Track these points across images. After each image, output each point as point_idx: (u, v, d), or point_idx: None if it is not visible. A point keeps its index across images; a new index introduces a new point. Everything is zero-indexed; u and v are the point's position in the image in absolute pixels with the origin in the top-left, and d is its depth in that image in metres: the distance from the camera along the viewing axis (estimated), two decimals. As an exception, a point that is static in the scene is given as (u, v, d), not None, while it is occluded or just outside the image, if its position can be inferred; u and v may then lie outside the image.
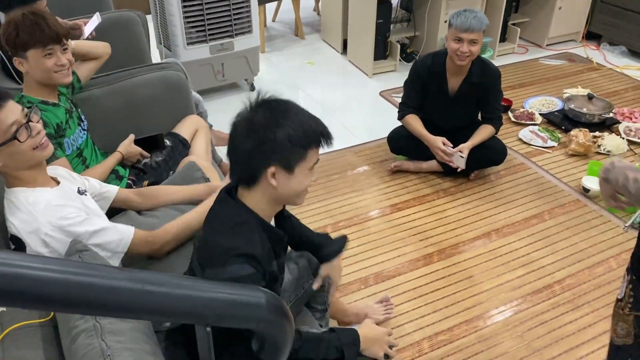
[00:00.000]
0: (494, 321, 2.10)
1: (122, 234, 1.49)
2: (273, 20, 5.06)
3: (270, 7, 4.96)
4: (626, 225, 2.53)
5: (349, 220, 2.62)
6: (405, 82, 2.87)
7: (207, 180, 1.98)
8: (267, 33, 4.76)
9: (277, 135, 1.16)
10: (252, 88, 3.85)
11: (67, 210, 1.40)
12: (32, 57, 1.76)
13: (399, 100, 2.98)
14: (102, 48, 2.17)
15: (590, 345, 1.98)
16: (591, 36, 4.55)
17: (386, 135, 3.02)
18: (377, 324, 2.01)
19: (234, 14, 3.42)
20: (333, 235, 1.68)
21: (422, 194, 2.81)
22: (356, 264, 2.37)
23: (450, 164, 2.73)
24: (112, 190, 1.74)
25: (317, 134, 1.23)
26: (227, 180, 1.70)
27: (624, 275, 1.28)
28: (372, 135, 3.30)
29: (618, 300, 1.30)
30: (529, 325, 2.07)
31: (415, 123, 2.80)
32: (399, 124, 2.94)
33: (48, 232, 1.36)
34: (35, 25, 1.73)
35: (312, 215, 2.65)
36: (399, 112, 2.88)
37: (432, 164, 2.90)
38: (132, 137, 2.14)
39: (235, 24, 3.47)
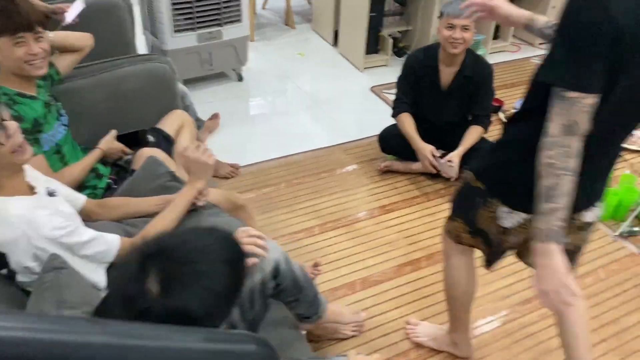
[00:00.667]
0: (482, 332, 2.07)
1: (109, 244, 1.42)
2: (263, 8, 4.93)
3: (260, -7, 4.85)
4: (615, 234, 2.51)
5: (337, 221, 2.57)
6: (399, 78, 2.81)
7: (171, 174, 1.88)
8: (257, 21, 4.64)
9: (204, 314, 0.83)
10: (240, 78, 3.76)
11: (57, 220, 1.33)
12: (2, 45, 1.65)
13: (390, 96, 2.93)
14: (84, 40, 2.04)
15: (578, 359, 1.96)
16: (584, 36, 4.51)
17: (376, 132, 2.96)
18: (344, 339, 1.98)
19: (223, 2, 3.31)
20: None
21: (412, 195, 2.76)
22: (344, 267, 2.32)
23: (443, 174, 2.68)
24: (80, 199, 1.63)
25: (241, 275, 0.93)
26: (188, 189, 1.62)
27: None
28: (361, 132, 3.24)
29: None
30: (516, 337, 2.04)
31: (408, 124, 2.74)
32: (390, 122, 2.88)
33: (40, 245, 1.29)
34: (4, 11, 1.61)
35: (299, 216, 2.58)
36: (393, 108, 2.82)
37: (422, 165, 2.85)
38: (114, 132, 2.05)
39: (224, 12, 3.36)
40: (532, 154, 1.23)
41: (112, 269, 1.43)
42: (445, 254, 1.79)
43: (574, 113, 1.14)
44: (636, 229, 2.52)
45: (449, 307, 1.88)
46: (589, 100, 1.14)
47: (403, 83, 2.79)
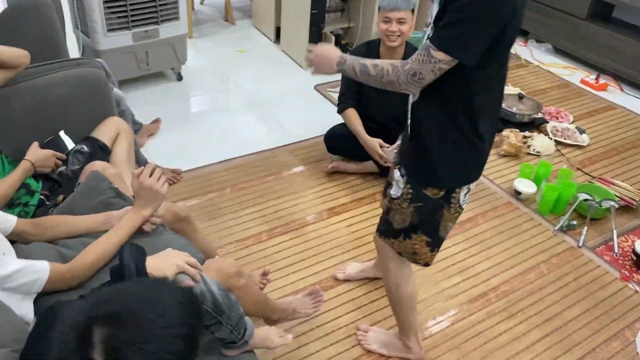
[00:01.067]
0: (432, 332, 2.08)
1: (38, 273, 1.30)
2: (201, 4, 4.79)
3: (198, -12, 4.70)
4: (555, 229, 2.60)
5: (286, 226, 2.52)
6: (344, 76, 2.79)
7: (115, 190, 1.77)
8: (195, 17, 4.50)
9: None
10: (179, 78, 3.63)
11: None
12: None
13: (335, 95, 2.90)
14: (21, 58, 1.87)
15: (524, 355, 2.02)
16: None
17: (321, 132, 2.94)
18: (297, 348, 1.95)
19: (159, -1, 3.18)
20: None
21: (360, 196, 2.75)
22: (293, 274, 2.28)
23: (388, 164, 2.69)
24: (11, 220, 1.50)
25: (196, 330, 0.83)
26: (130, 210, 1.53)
27: (398, 178, 1.59)
28: (307, 132, 3.19)
29: (394, 198, 1.61)
30: (465, 337, 2.07)
31: (354, 119, 2.73)
32: (335, 121, 2.86)
33: None
34: None
35: (246, 222, 2.52)
36: (338, 104, 2.80)
37: (369, 165, 2.85)
38: (35, 144, 1.91)
39: (160, 10, 3.22)
40: (458, 131, 1.43)
41: (42, 299, 1.33)
42: (383, 261, 1.80)
43: (426, 68, 1.32)
44: (575, 222, 2.62)
45: (396, 313, 1.89)
46: (444, 66, 1.31)
47: (347, 78, 2.76)
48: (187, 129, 3.19)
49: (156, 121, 3.10)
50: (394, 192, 1.61)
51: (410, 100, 1.52)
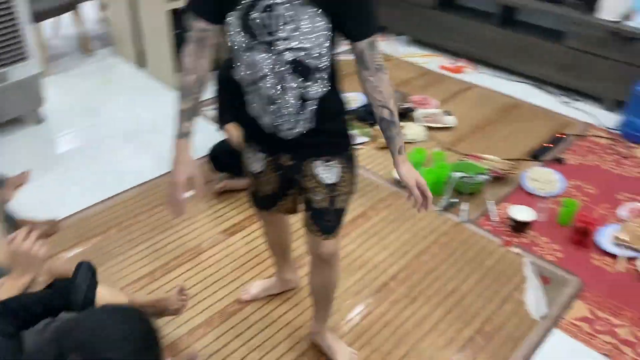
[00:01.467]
0: (344, 332, 2.13)
1: None
2: (54, 38, 4.49)
3: (48, 21, 4.39)
4: (438, 209, 2.76)
5: (181, 257, 2.45)
6: (217, 91, 2.75)
7: None
8: (50, 52, 4.21)
9: None
10: (40, 120, 3.38)
11: None
12: None
13: (212, 112, 2.85)
14: None
15: (431, 336, 2.12)
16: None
17: (205, 152, 2.88)
18: None
19: (0, 41, 2.94)
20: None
21: (253, 212, 2.73)
22: (198, 304, 2.22)
23: None
24: None
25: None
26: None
27: (324, 167, 1.61)
28: (188, 156, 3.11)
29: (334, 183, 1.62)
30: (375, 330, 2.14)
31: (235, 132, 2.71)
32: (217, 139, 2.82)
33: None
34: None
35: (138, 261, 2.41)
36: (218, 120, 2.76)
37: (256, 179, 2.84)
38: None
39: (4, 52, 2.98)
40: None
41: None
42: (334, 262, 1.79)
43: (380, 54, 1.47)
44: (454, 200, 2.80)
45: (329, 306, 1.94)
46: None
47: (221, 91, 2.73)
48: (58, 173, 2.98)
49: (24, 173, 2.88)
50: (331, 179, 1.61)
51: (318, 95, 1.52)
